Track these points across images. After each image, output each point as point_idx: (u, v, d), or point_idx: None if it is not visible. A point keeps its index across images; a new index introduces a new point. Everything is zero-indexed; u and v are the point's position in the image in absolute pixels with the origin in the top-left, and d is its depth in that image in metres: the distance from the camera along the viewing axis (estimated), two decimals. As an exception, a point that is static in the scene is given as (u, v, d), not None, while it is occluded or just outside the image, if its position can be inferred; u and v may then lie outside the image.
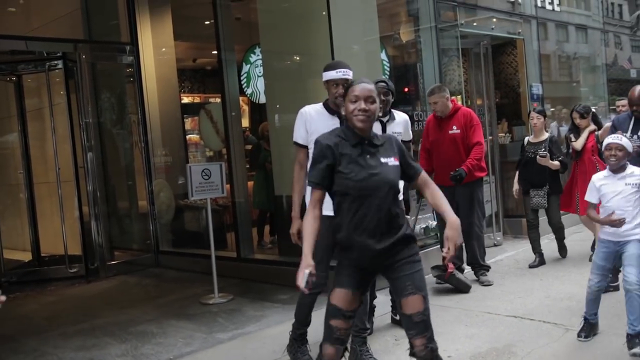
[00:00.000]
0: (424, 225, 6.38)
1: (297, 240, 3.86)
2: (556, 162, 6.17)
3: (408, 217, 5.30)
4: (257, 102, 7.91)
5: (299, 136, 3.94)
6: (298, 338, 3.95)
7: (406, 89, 7.44)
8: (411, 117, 5.12)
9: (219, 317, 5.22)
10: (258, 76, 7.56)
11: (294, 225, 3.88)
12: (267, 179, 7.06)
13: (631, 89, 5.04)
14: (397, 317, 4.58)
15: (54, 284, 6.96)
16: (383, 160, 2.87)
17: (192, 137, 8.77)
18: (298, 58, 6.33)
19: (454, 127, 5.68)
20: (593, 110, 6.62)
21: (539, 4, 9.08)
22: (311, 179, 2.90)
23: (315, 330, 3.66)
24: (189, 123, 8.89)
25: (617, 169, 3.90)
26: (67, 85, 7.41)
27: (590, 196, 4.04)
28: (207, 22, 7.52)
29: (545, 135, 6.35)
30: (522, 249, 7.01)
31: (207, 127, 7.65)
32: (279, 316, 5.06)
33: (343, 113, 2.97)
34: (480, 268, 5.78)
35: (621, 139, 3.90)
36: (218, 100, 7.13)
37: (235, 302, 5.64)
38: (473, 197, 5.73)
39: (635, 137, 4.83)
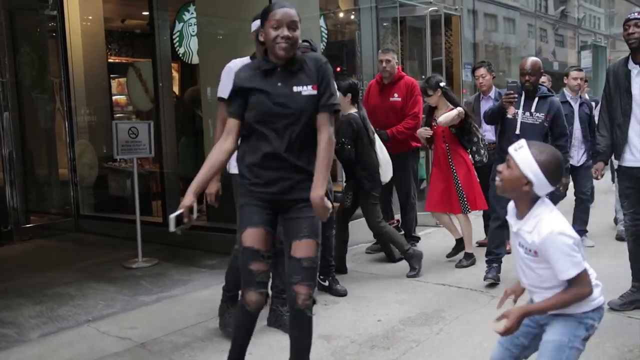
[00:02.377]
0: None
1: (214, 201, 3.76)
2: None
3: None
4: (189, 62, 7.62)
5: (224, 90, 3.55)
6: (228, 300, 3.81)
7: (339, 69, 7.35)
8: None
9: (143, 281, 5.01)
10: (191, 35, 7.27)
11: (212, 186, 3.66)
12: (196, 145, 6.84)
13: (523, 59, 4.75)
14: (326, 284, 4.55)
15: (-37, 247, 6.52)
16: (296, 89, 2.69)
17: (119, 98, 8.39)
18: (234, 23, 6.14)
19: (395, 95, 5.55)
20: (442, 84, 5.28)
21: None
22: (230, 110, 2.79)
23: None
24: (115, 85, 8.50)
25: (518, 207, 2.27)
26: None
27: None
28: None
29: None
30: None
31: (135, 87, 7.31)
32: (206, 280, 4.92)
33: (261, 39, 2.78)
34: (411, 239, 5.81)
35: (518, 149, 2.19)
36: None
37: (161, 266, 5.43)
38: (408, 167, 5.68)
39: (527, 113, 4.54)
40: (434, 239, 6.32)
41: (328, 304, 4.30)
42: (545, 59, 14.25)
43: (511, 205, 2.31)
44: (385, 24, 7.32)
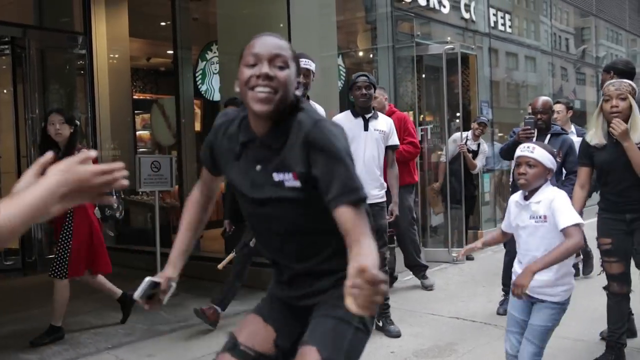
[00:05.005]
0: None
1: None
2: None
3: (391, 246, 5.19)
4: (211, 99, 7.84)
5: None
6: None
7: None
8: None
9: (162, 311, 5.09)
10: (214, 73, 7.51)
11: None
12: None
13: (535, 98, 4.94)
14: (380, 324, 4.47)
15: (-12, 276, 6.69)
16: (276, 177, 1.80)
17: (142, 133, 8.63)
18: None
19: None
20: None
21: (492, 25, 9.38)
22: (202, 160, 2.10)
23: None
24: (139, 121, 8.76)
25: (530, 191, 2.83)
26: (14, 76, 7.20)
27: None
28: (163, 23, 7.50)
29: None
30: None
31: (158, 122, 7.54)
32: (226, 312, 4.97)
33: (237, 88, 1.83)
34: (419, 269, 5.82)
35: (533, 150, 2.80)
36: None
37: (180, 297, 5.50)
38: (403, 203, 5.46)
39: None
40: (449, 273, 6.35)
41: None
42: (566, 97, 14.30)
43: (516, 196, 2.89)
44: (402, 62, 7.48)
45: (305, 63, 3.78)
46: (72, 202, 1.30)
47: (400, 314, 4.90)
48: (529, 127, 4.61)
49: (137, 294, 1.95)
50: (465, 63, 8.58)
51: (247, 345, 1.94)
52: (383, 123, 4.50)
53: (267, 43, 1.79)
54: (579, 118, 13.31)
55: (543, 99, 4.82)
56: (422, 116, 8.12)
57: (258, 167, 1.83)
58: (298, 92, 1.84)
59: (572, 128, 5.76)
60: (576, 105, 15.04)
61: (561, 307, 2.78)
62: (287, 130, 1.78)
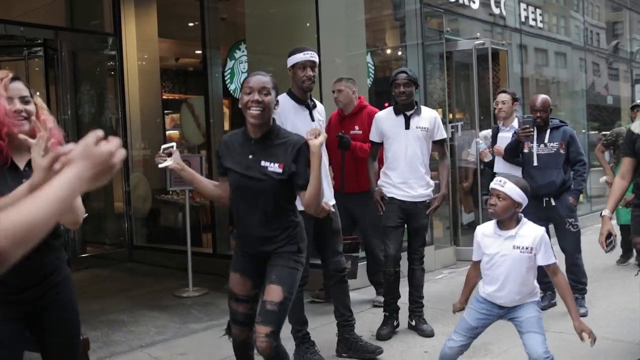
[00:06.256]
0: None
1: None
2: None
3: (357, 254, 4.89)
4: (239, 98, 7.86)
5: None
6: (302, 340, 3.78)
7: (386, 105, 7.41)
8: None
9: (193, 309, 5.13)
10: (242, 72, 7.52)
11: None
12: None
13: (533, 97, 5.03)
14: (413, 323, 4.43)
15: (23, 275, 6.79)
16: (263, 163, 2.79)
17: (172, 133, 8.68)
18: (283, 60, 6.33)
19: (356, 127, 4.98)
20: None
21: (522, 20, 9.24)
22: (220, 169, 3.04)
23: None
24: (169, 121, 8.81)
25: (503, 223, 3.00)
26: (47, 77, 7.31)
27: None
28: (191, 23, 7.52)
29: None
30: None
31: (188, 121, 7.57)
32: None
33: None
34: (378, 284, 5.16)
35: (504, 185, 2.94)
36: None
37: (210, 296, 5.55)
38: (369, 210, 4.77)
39: (542, 145, 4.80)
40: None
41: (375, 334, 4.31)
42: (598, 93, 14.03)
43: (485, 228, 3.06)
44: (431, 59, 7.39)
45: (311, 55, 3.73)
46: (95, 185, 1.34)
47: (433, 313, 4.83)
48: (528, 125, 4.74)
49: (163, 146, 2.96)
50: (495, 59, 8.45)
51: (241, 294, 2.93)
52: (426, 119, 4.32)
53: (258, 80, 2.78)
54: (612, 114, 13.05)
55: (542, 97, 4.87)
56: (451, 114, 8.01)
57: (250, 157, 2.81)
58: (277, 109, 2.90)
59: (515, 122, 5.45)
60: (609, 101, 14.75)
61: (537, 303, 3.07)
62: (272, 134, 2.83)
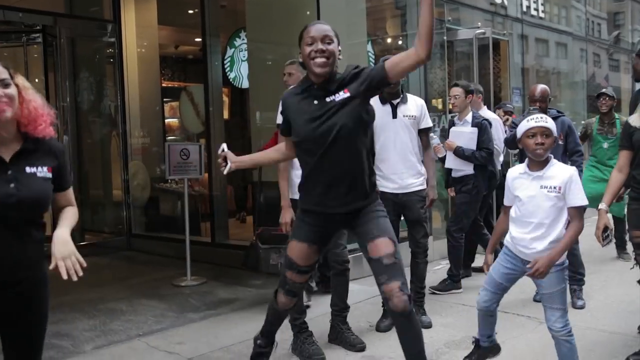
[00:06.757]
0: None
1: (289, 229, 3.78)
2: None
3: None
4: (239, 86, 7.82)
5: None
6: (300, 330, 3.77)
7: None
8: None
9: (191, 298, 5.13)
10: (242, 60, 7.48)
11: (285, 214, 3.78)
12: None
13: (532, 87, 4.99)
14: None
15: (21, 263, 6.79)
16: (329, 98, 2.71)
17: (171, 121, 8.65)
18: (284, 48, 6.31)
19: None
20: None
21: (524, 10, 9.19)
22: (280, 129, 3.03)
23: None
24: (168, 109, 8.78)
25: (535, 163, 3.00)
26: (46, 64, 7.27)
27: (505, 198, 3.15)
28: (191, 11, 7.47)
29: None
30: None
31: (187, 110, 7.55)
32: (253, 299, 5.01)
33: (300, 60, 2.82)
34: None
35: (547, 120, 2.98)
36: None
37: (208, 285, 5.55)
38: None
39: None
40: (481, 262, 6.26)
41: (373, 325, 4.32)
42: (599, 84, 13.99)
43: (515, 170, 3.05)
44: (432, 48, 7.34)
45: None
46: None
47: (431, 304, 4.84)
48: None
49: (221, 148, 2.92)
50: (496, 49, 8.42)
51: (304, 265, 2.87)
52: (413, 107, 4.25)
53: (318, 28, 2.70)
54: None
55: (541, 87, 4.86)
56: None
57: (315, 102, 2.73)
58: (340, 57, 2.77)
59: (469, 116, 5.31)
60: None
61: (563, 266, 2.95)
62: (335, 78, 2.73)
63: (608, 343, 3.90)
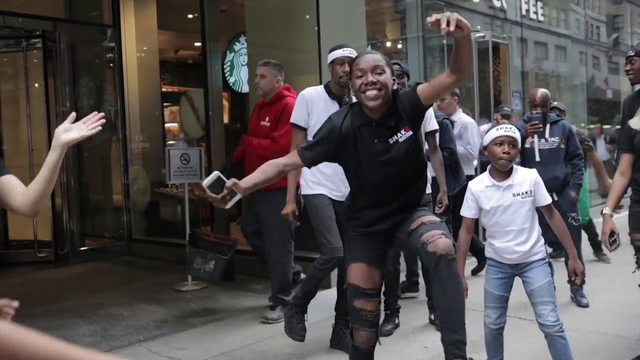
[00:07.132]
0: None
1: (294, 221, 3.83)
2: None
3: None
4: (239, 91, 7.83)
5: (300, 118, 3.75)
6: (299, 305, 3.73)
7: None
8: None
9: (192, 304, 5.12)
10: (242, 65, 7.49)
11: (288, 206, 3.80)
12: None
13: (532, 91, 4.98)
14: (433, 317, 4.36)
15: (22, 268, 6.78)
16: (392, 140, 2.55)
17: (171, 126, 8.65)
18: (284, 52, 6.31)
19: (267, 119, 4.55)
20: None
21: (523, 13, 9.20)
22: (305, 154, 2.61)
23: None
24: (168, 114, 8.78)
25: (498, 173, 3.03)
26: (45, 69, 7.26)
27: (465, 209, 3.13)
28: (191, 15, 7.49)
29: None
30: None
31: (187, 114, 7.56)
32: (253, 304, 4.99)
33: (352, 94, 2.72)
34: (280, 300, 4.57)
35: (515, 131, 3.02)
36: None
37: (209, 290, 5.54)
38: (274, 210, 4.13)
39: (543, 140, 4.77)
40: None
41: (374, 330, 4.30)
42: (598, 87, 13.99)
43: (480, 182, 3.04)
44: (432, 52, 7.37)
45: (350, 52, 3.68)
46: None
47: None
48: (537, 121, 4.65)
49: (204, 183, 2.39)
50: (496, 52, 8.42)
51: (369, 288, 2.66)
52: None
53: (367, 59, 2.52)
54: (612, 108, 13.01)
55: (541, 91, 4.84)
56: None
57: (376, 141, 2.54)
58: (395, 87, 2.59)
59: (457, 115, 5.31)
60: (609, 95, 14.73)
61: (545, 260, 3.07)
62: (395, 112, 2.54)
63: (611, 346, 3.89)
